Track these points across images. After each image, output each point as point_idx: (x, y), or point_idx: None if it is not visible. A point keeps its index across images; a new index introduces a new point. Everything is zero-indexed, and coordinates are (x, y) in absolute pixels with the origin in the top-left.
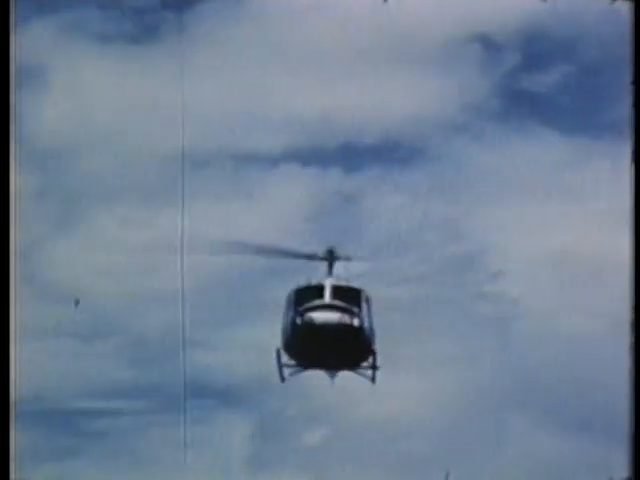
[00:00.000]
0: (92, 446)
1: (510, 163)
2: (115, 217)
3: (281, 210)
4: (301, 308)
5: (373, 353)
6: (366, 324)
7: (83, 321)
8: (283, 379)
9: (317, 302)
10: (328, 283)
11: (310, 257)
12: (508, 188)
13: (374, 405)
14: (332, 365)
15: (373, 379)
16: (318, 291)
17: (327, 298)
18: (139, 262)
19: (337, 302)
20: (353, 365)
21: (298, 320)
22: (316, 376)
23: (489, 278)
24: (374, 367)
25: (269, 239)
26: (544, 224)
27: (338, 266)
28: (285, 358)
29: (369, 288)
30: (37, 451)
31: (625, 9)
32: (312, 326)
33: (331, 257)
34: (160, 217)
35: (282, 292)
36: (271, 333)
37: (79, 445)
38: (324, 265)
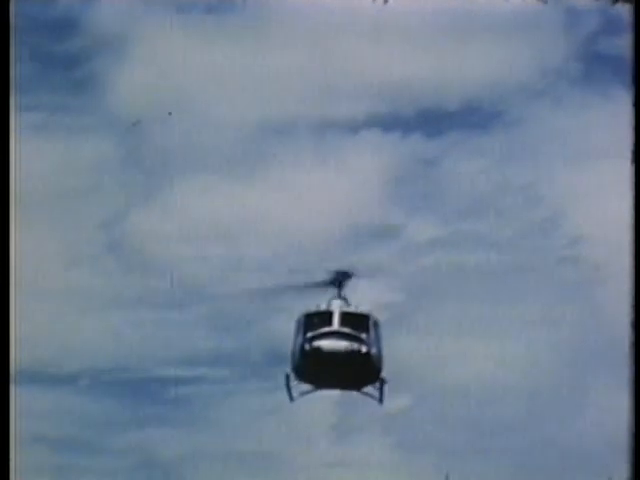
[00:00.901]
0: (175, 414)
1: (590, 127)
2: (197, 186)
3: (362, 177)
4: (309, 335)
5: (381, 378)
6: (374, 350)
7: (167, 290)
8: (292, 399)
9: (325, 329)
10: (337, 309)
11: (318, 285)
12: (587, 152)
13: (457, 370)
14: (341, 388)
15: (381, 400)
16: (327, 317)
17: (335, 325)
18: (221, 231)
19: (345, 329)
20: (361, 387)
21: (307, 347)
22: (399, 342)
23: (569, 243)
24: (382, 389)
25: (351, 206)
26: (624, 188)
27: (412, 234)
28: (295, 381)
29: (447, 255)
30: (121, 420)
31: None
32: (320, 354)
33: (341, 279)
34: (242, 186)
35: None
36: (355, 301)
37: (162, 413)
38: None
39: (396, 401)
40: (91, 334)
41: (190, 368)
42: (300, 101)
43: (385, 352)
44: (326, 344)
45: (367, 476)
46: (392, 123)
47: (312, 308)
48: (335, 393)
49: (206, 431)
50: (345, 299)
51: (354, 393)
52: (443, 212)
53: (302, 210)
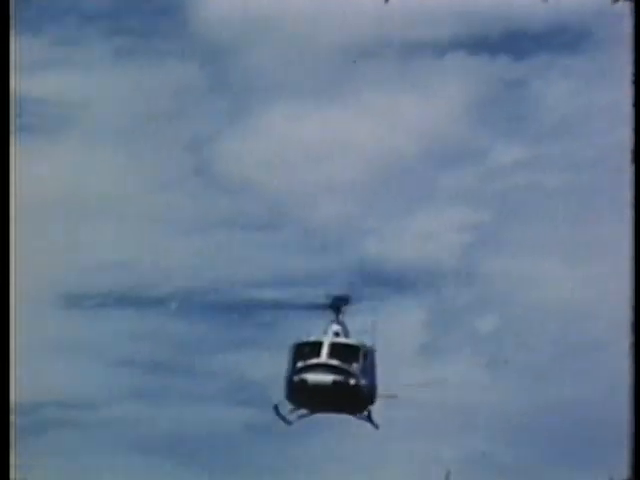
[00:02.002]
0: (266, 336)
1: None
2: (284, 110)
3: (448, 100)
4: (298, 366)
5: (367, 409)
6: (363, 381)
7: (256, 212)
8: (289, 423)
9: (314, 361)
10: (326, 340)
11: (316, 307)
12: None
13: (545, 291)
14: (336, 413)
15: (375, 425)
16: (316, 348)
17: (324, 357)
18: (310, 154)
19: (333, 361)
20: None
21: (295, 378)
22: (485, 263)
23: None
24: (370, 418)
25: (436, 128)
26: None
27: (497, 156)
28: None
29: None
30: (212, 342)
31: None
32: (306, 387)
33: (339, 304)
34: (329, 109)
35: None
36: (443, 222)
37: (253, 335)
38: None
39: (485, 322)
40: (181, 257)
41: (281, 289)
42: (385, 25)
43: (473, 272)
44: (312, 377)
45: (457, 395)
46: (478, 46)
47: (303, 338)
48: (427, 311)
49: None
50: (342, 324)
51: (450, 309)
52: (528, 134)
53: (388, 133)
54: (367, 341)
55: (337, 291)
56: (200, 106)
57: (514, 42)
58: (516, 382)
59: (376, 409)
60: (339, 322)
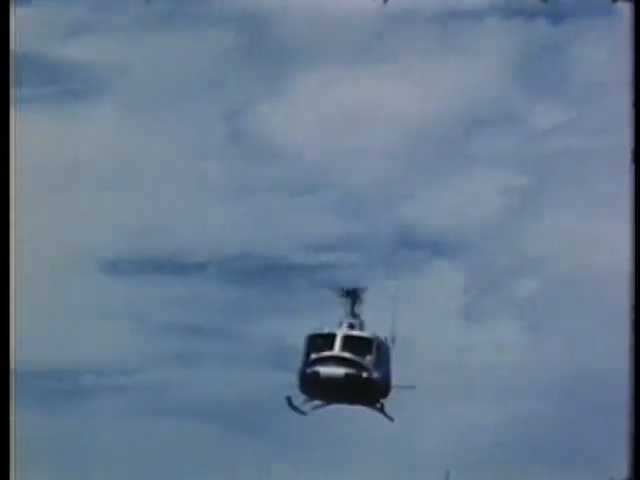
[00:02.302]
0: (304, 300)
1: None
2: (322, 76)
3: (486, 64)
4: (311, 358)
5: (380, 402)
6: (376, 375)
7: (292, 178)
8: (303, 413)
9: (326, 353)
10: (340, 333)
11: (340, 294)
12: None
13: (586, 253)
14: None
15: (390, 418)
16: (329, 340)
17: (336, 349)
18: (346, 119)
19: (346, 354)
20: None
21: (308, 370)
22: (526, 226)
23: None
24: (383, 411)
25: (474, 92)
26: None
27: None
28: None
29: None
30: (249, 307)
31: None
32: (318, 379)
33: (354, 296)
34: (366, 75)
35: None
36: (481, 186)
37: (290, 300)
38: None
39: (525, 285)
40: (219, 223)
41: (319, 254)
42: None
43: (512, 235)
44: (324, 370)
45: (496, 359)
46: (516, 10)
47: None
48: (467, 275)
49: (337, 316)
50: (357, 316)
51: (490, 273)
52: (566, 97)
53: (427, 98)
54: (397, 310)
55: (374, 257)
56: (236, 72)
57: (552, 6)
58: (556, 346)
59: (416, 375)
60: (354, 314)
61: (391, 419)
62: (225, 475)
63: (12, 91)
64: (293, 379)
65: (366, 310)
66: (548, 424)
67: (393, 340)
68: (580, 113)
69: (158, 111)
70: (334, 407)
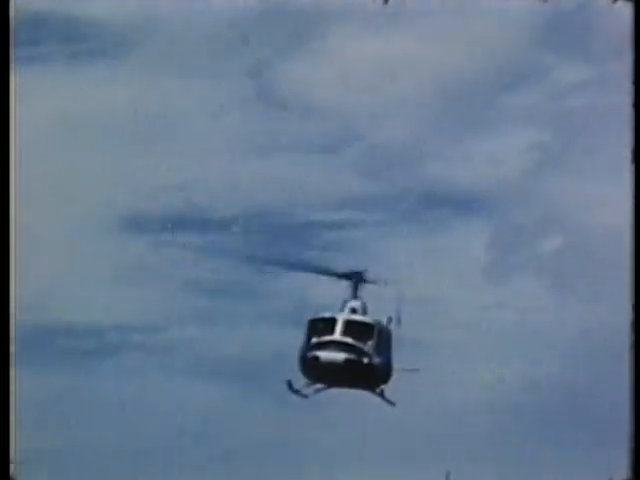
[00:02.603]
0: (328, 257)
1: None
2: (348, 31)
3: (512, 18)
4: (311, 342)
5: (380, 388)
6: (376, 360)
7: (319, 134)
8: (305, 396)
9: (327, 338)
10: (341, 317)
11: (339, 276)
12: None
13: (609, 211)
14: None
15: (391, 403)
16: (330, 324)
17: (337, 334)
18: (373, 75)
19: (347, 339)
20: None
21: (308, 354)
22: (549, 183)
23: None
24: (382, 396)
25: (499, 48)
26: None
27: (560, 75)
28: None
29: None
30: (274, 263)
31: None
32: (318, 364)
33: (357, 279)
34: (393, 29)
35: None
36: (506, 143)
37: (315, 257)
38: None
39: (549, 242)
40: (244, 180)
41: (345, 211)
42: None
43: (536, 192)
44: (324, 355)
45: (520, 317)
46: None
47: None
48: (491, 232)
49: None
50: (359, 299)
51: (514, 230)
52: (591, 54)
53: (452, 54)
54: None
55: (397, 215)
56: (262, 28)
57: None
58: (579, 304)
59: (439, 333)
60: (357, 298)
61: (392, 404)
62: (248, 433)
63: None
64: None
65: (384, 267)
66: (568, 383)
67: (399, 320)
68: (605, 70)
69: (181, 68)
70: None
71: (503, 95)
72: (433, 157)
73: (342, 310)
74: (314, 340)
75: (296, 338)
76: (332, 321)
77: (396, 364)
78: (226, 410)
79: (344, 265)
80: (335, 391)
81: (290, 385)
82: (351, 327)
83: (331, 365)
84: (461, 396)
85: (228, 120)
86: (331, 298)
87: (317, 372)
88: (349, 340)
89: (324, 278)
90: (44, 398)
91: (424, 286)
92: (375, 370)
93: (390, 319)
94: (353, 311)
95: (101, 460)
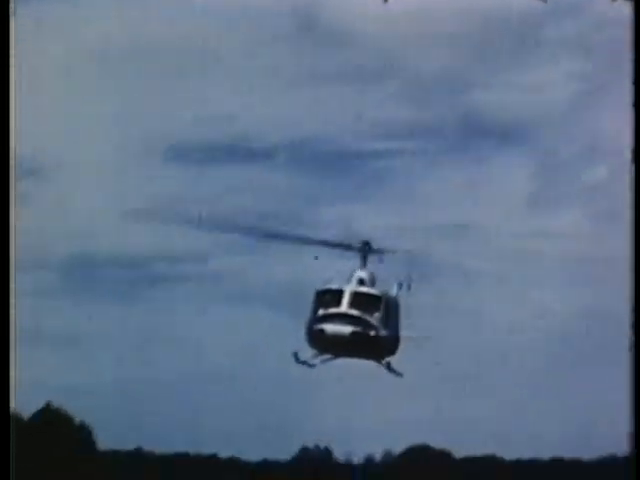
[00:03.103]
0: (373, 187)
1: None
2: None
3: None
4: (318, 314)
5: (386, 361)
6: (383, 332)
7: (362, 65)
8: (312, 366)
9: (333, 310)
10: (348, 289)
11: (346, 247)
12: None
13: None
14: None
15: (398, 374)
16: (337, 296)
17: (344, 306)
18: (416, 7)
19: (353, 311)
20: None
21: (315, 327)
22: (592, 114)
23: None
24: (389, 368)
25: None
26: None
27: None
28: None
29: None
30: (318, 193)
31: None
32: (324, 337)
33: (365, 250)
34: None
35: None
36: (549, 73)
37: (359, 186)
38: None
39: (593, 173)
40: (289, 109)
41: (387, 141)
42: None
43: (581, 122)
44: (330, 328)
45: (564, 247)
46: None
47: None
48: (535, 162)
49: (405, 205)
50: (367, 268)
51: (558, 160)
52: None
53: None
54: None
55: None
56: None
57: None
58: (624, 234)
59: (483, 261)
60: (366, 268)
61: (400, 375)
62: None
63: None
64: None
65: (435, 195)
66: (610, 313)
67: (409, 287)
68: None
69: (227, 3)
70: None
71: (547, 24)
72: (477, 87)
73: (349, 280)
74: (321, 312)
75: (341, 265)
76: (339, 293)
77: (440, 293)
78: (272, 337)
79: (387, 194)
80: None
81: (297, 356)
82: (358, 299)
83: (337, 338)
84: (507, 323)
85: (273, 50)
86: (374, 225)
87: (323, 344)
88: (355, 312)
89: (367, 207)
90: (96, 327)
91: (467, 214)
92: (382, 342)
93: (400, 285)
94: (361, 282)
95: (165, 386)
